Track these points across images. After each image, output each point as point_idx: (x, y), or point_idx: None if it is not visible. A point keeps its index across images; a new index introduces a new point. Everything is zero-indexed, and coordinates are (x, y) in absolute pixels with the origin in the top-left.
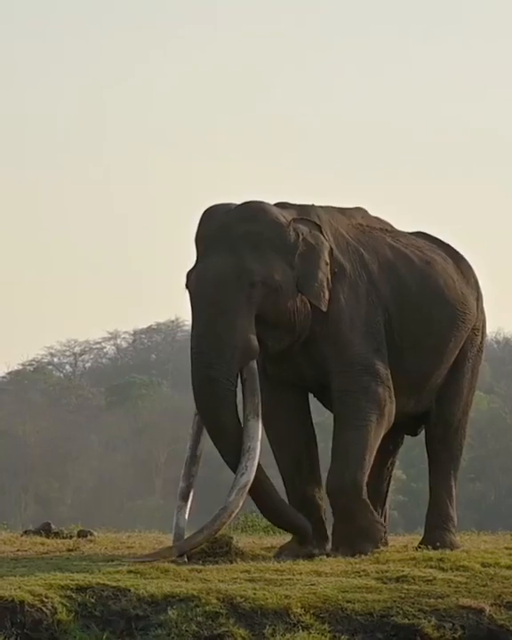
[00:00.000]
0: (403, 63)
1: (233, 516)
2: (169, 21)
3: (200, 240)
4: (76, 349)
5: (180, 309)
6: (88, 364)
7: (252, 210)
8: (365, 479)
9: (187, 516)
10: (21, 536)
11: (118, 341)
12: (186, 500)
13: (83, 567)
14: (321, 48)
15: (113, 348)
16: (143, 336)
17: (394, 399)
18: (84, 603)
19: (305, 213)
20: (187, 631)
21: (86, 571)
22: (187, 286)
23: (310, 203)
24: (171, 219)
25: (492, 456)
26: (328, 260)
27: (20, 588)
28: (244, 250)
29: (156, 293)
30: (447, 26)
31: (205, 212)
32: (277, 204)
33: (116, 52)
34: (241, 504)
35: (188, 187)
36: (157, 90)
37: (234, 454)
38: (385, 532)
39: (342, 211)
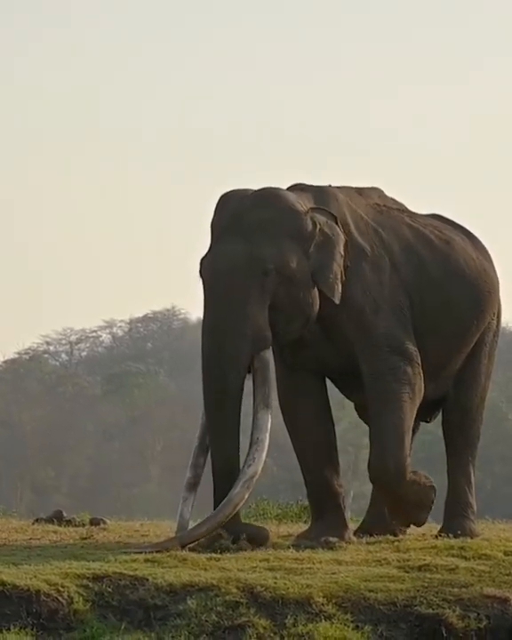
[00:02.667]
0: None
1: (238, 507)
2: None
3: (214, 226)
4: (73, 338)
5: (176, 298)
6: (84, 353)
7: (268, 196)
8: (408, 460)
9: (191, 508)
10: (33, 524)
11: (114, 330)
12: (191, 492)
13: (98, 556)
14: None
15: (109, 336)
16: (139, 325)
17: (422, 375)
18: (101, 592)
19: (321, 199)
20: (207, 621)
21: (102, 559)
22: (200, 273)
23: (326, 184)
24: (167, 207)
25: (489, 445)
26: (343, 253)
27: (35, 577)
28: (258, 237)
29: (152, 282)
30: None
31: (221, 198)
32: (294, 186)
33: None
34: (246, 496)
35: (184, 177)
36: (154, 81)
37: (223, 444)
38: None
39: (359, 191)
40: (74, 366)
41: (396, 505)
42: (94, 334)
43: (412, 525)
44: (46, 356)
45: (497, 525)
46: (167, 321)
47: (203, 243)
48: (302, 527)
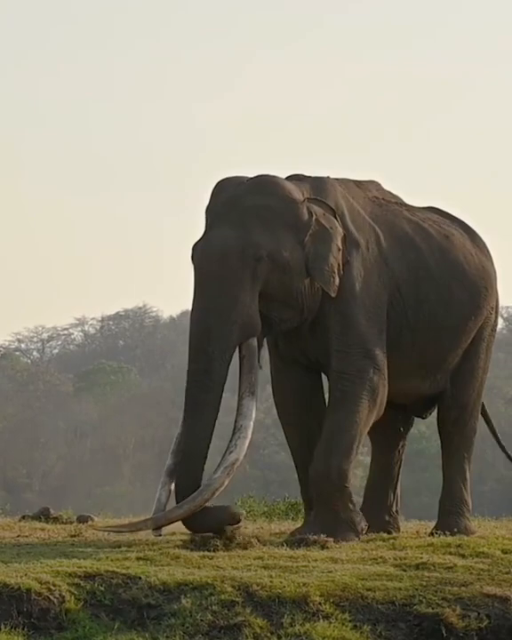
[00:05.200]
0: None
1: (216, 493)
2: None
3: (209, 212)
4: (44, 336)
5: (148, 296)
6: (56, 351)
7: (264, 183)
8: (351, 467)
9: (169, 493)
10: (19, 521)
11: (86, 328)
12: (170, 477)
13: (89, 553)
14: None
15: (81, 334)
16: (111, 322)
17: (386, 386)
18: (93, 591)
19: (319, 190)
20: (202, 621)
21: (93, 557)
22: (192, 258)
23: (325, 175)
24: (140, 205)
25: None
26: (341, 246)
27: (25, 575)
28: (251, 223)
29: (123, 279)
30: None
31: (217, 184)
32: (291, 177)
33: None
34: (226, 482)
35: (157, 174)
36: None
37: (197, 429)
38: (396, 514)
39: (358, 183)
40: (45, 364)
41: (324, 512)
42: (66, 332)
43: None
44: (18, 353)
45: (488, 523)
46: (139, 319)
47: (174, 240)
48: (291, 524)
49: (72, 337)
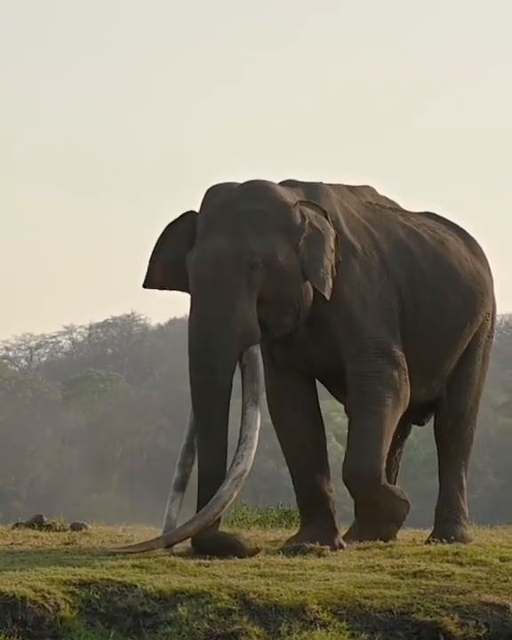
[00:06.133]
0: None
1: (226, 506)
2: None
3: (201, 220)
4: (32, 343)
5: (136, 304)
6: (44, 359)
7: (256, 188)
8: (383, 466)
9: (179, 508)
10: (12, 529)
11: (74, 335)
12: (180, 491)
13: (84, 561)
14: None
15: (69, 342)
16: (99, 330)
17: (409, 382)
18: (89, 599)
19: (313, 195)
20: (198, 629)
21: (88, 565)
22: (187, 268)
23: (318, 180)
24: (127, 213)
25: None
26: (334, 248)
27: (20, 583)
28: (245, 229)
29: (111, 287)
30: None
31: (208, 190)
32: (284, 182)
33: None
34: (235, 495)
35: (141, 180)
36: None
37: (209, 443)
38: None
39: (352, 188)
40: (33, 372)
41: (366, 511)
42: (54, 340)
43: (379, 539)
44: (6, 361)
45: (484, 531)
46: (127, 327)
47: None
48: (285, 532)
49: (60, 345)
